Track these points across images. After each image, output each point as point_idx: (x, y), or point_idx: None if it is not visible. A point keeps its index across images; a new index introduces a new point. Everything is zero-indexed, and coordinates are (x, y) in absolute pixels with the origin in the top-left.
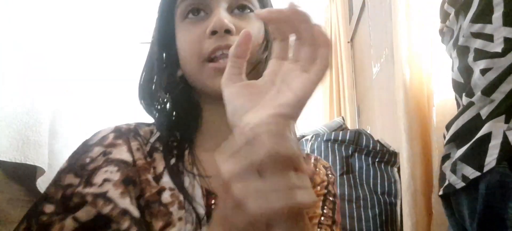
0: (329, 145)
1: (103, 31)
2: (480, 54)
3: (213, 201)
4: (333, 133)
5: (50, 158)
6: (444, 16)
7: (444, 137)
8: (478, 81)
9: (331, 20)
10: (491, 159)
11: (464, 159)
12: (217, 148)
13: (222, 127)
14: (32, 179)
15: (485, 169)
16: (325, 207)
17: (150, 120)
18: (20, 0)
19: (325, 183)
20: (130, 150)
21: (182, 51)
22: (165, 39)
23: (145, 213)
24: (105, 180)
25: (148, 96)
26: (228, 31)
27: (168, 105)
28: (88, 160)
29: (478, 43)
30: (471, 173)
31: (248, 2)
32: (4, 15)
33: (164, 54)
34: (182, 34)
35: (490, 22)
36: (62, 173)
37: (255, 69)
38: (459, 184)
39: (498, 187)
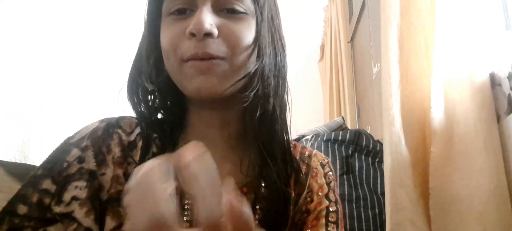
0: (329, 145)
1: (103, 31)
2: None
3: (187, 201)
4: (333, 133)
5: None
6: None
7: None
8: None
9: (331, 20)
10: None
11: None
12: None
13: (205, 132)
14: None
15: None
16: (329, 224)
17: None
18: (21, 1)
19: (325, 190)
20: (97, 155)
21: (163, 47)
22: (152, 32)
23: (107, 208)
24: (73, 198)
25: (135, 89)
26: (208, 35)
27: (156, 101)
28: (65, 164)
29: None
30: None
31: (238, 5)
32: (4, 16)
33: (152, 47)
34: (164, 29)
35: None
36: (40, 175)
37: (242, 80)
38: None
39: None
